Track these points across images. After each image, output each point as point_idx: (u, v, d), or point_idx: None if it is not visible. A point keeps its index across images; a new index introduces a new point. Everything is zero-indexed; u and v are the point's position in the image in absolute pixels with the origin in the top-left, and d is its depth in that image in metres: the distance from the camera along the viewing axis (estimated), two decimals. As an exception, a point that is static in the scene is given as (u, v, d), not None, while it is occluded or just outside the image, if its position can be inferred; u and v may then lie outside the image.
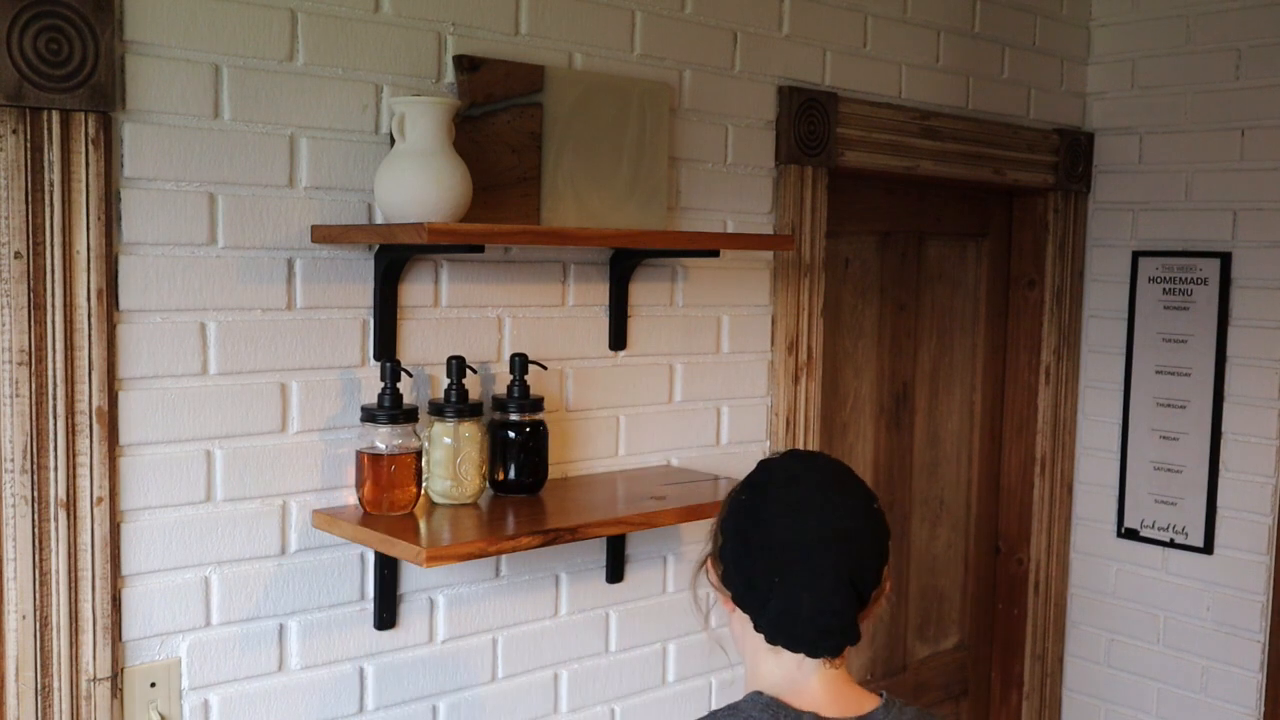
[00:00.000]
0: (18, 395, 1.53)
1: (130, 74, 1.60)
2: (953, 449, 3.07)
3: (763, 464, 1.42)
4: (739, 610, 1.37)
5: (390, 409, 1.76)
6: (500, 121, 1.90)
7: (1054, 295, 3.07)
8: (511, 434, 1.90)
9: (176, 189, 1.65)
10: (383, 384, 1.77)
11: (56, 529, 1.57)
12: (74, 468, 1.58)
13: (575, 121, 1.99)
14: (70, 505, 1.58)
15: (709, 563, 1.43)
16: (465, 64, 1.87)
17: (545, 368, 2.00)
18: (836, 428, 2.74)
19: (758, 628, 1.34)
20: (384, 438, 1.77)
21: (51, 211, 1.54)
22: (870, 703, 1.35)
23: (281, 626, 1.80)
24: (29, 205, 1.52)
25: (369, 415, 1.77)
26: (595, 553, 2.16)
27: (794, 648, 1.33)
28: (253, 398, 1.74)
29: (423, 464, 1.83)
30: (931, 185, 2.86)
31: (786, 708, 1.32)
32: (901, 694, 2.76)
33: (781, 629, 1.33)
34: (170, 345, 1.67)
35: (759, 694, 1.35)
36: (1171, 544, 2.99)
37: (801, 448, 1.38)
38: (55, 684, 1.59)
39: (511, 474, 1.92)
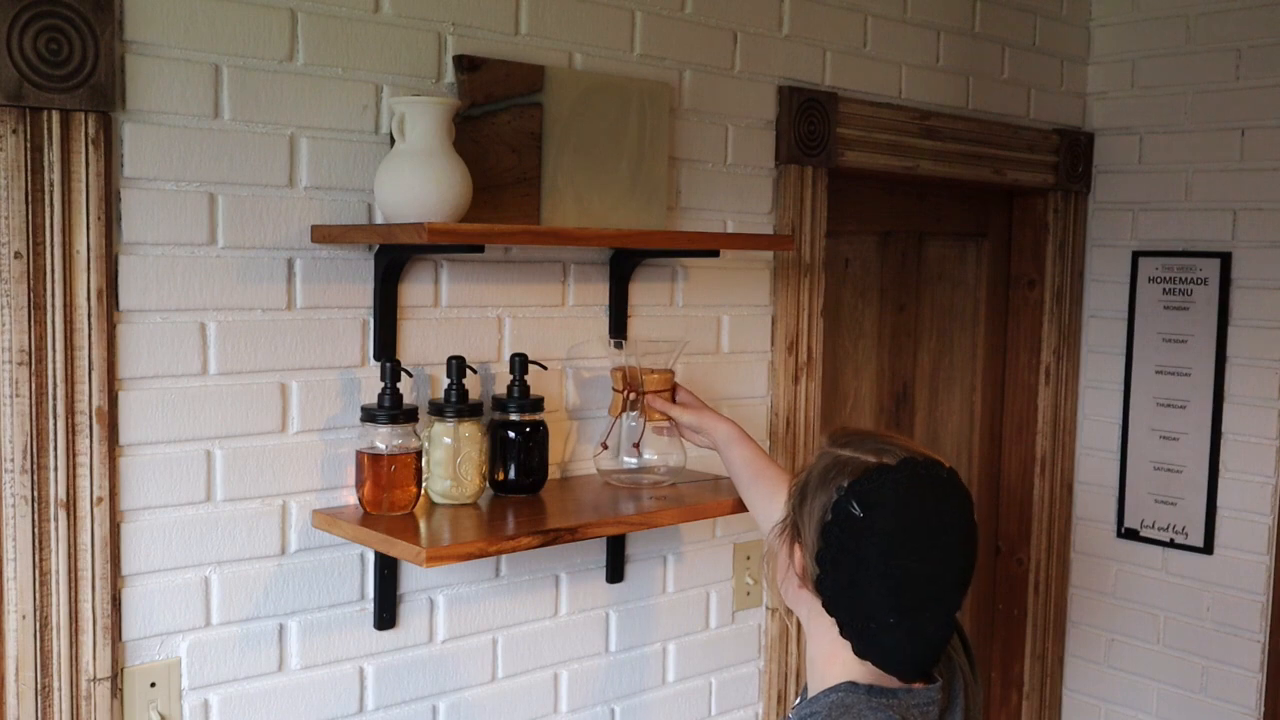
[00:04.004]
0: (18, 395, 1.53)
1: (130, 74, 1.60)
2: (953, 449, 3.07)
3: (880, 475, 1.32)
4: (812, 597, 1.35)
5: (390, 409, 1.76)
6: (500, 121, 1.90)
7: (1054, 295, 3.07)
8: (511, 434, 1.90)
9: (176, 189, 1.65)
10: (383, 384, 1.77)
11: (56, 529, 1.57)
12: (74, 468, 1.58)
13: (575, 121, 1.99)
14: (70, 505, 1.58)
15: (795, 551, 1.37)
16: (465, 64, 1.87)
17: (545, 368, 2.00)
18: (836, 428, 2.74)
19: (855, 645, 1.32)
20: (384, 438, 1.77)
21: (51, 211, 1.54)
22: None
23: (281, 626, 1.80)
24: (29, 205, 1.52)
25: (369, 415, 1.77)
26: (595, 553, 2.16)
27: (886, 669, 1.32)
28: (253, 398, 1.74)
29: (423, 464, 1.83)
30: (931, 185, 2.86)
31: (884, 690, 1.32)
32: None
33: (881, 655, 1.31)
34: (170, 345, 1.67)
35: (855, 685, 1.33)
36: (1171, 544, 2.99)
37: (917, 452, 1.32)
38: (55, 684, 1.59)
39: (511, 474, 1.92)
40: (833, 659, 1.36)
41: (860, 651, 1.32)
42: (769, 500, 1.85)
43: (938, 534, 1.31)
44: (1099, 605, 3.15)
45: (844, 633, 1.33)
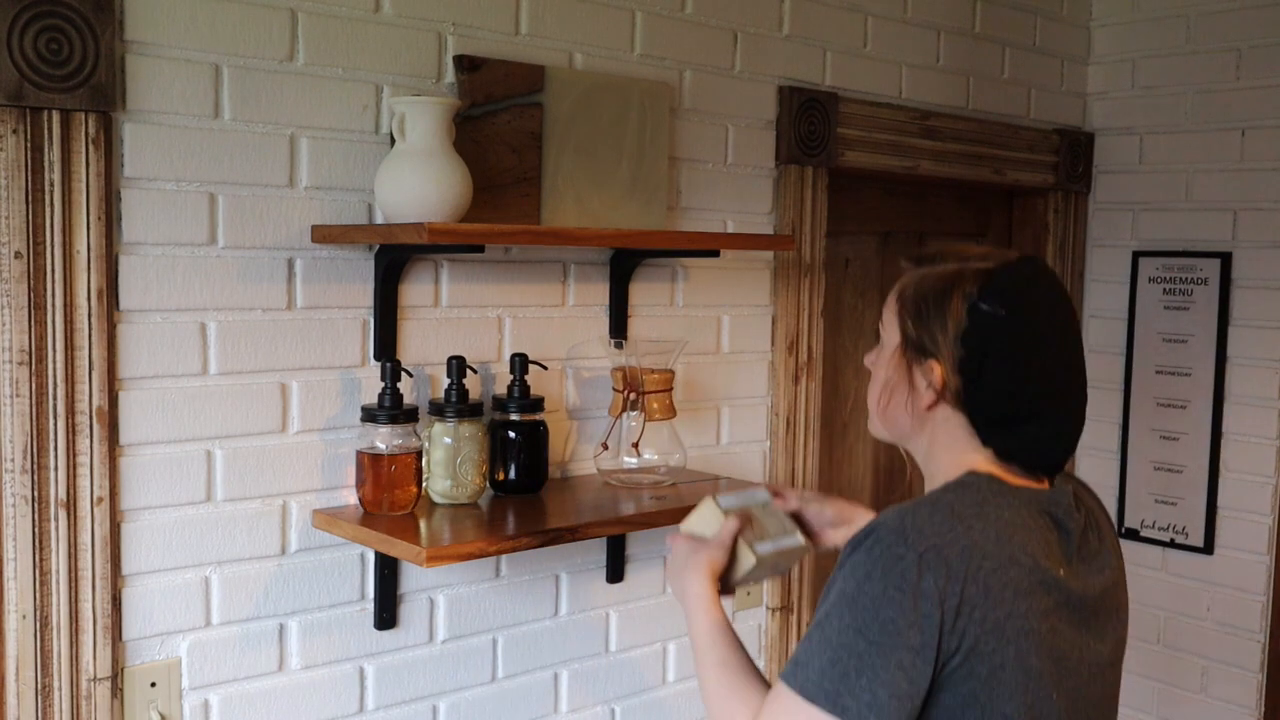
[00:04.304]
0: (18, 395, 1.53)
1: (130, 74, 1.60)
2: (953, 449, 3.07)
3: (1007, 274, 1.33)
4: (953, 410, 1.35)
5: (390, 409, 1.76)
6: (500, 121, 1.90)
7: (1054, 295, 3.07)
8: (512, 434, 1.91)
9: (177, 189, 1.65)
10: (383, 384, 1.77)
11: (56, 529, 1.57)
12: (74, 468, 1.58)
13: (575, 121, 1.99)
14: (70, 505, 1.58)
15: (928, 370, 1.35)
16: (465, 64, 1.87)
17: (545, 368, 2.01)
18: (837, 428, 2.74)
19: (1000, 446, 1.34)
20: (384, 438, 1.77)
21: (52, 211, 1.54)
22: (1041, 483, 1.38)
23: (281, 626, 1.80)
24: (29, 205, 1.52)
25: (369, 415, 1.77)
26: (595, 553, 2.16)
27: (1031, 465, 1.34)
28: (253, 398, 1.74)
29: (423, 464, 1.83)
30: (931, 185, 2.86)
31: (1005, 483, 1.33)
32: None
33: (1025, 450, 1.33)
34: (170, 345, 1.67)
35: (976, 473, 1.33)
36: (1171, 544, 2.99)
37: (1014, 250, 1.37)
38: (55, 684, 1.59)
39: (511, 474, 1.92)
40: (954, 461, 1.36)
41: (1006, 451, 1.34)
42: None
43: (1068, 321, 1.36)
44: (1099, 605, 3.14)
45: (989, 439, 1.34)
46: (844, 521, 1.72)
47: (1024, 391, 1.32)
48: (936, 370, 1.35)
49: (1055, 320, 1.34)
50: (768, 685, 1.36)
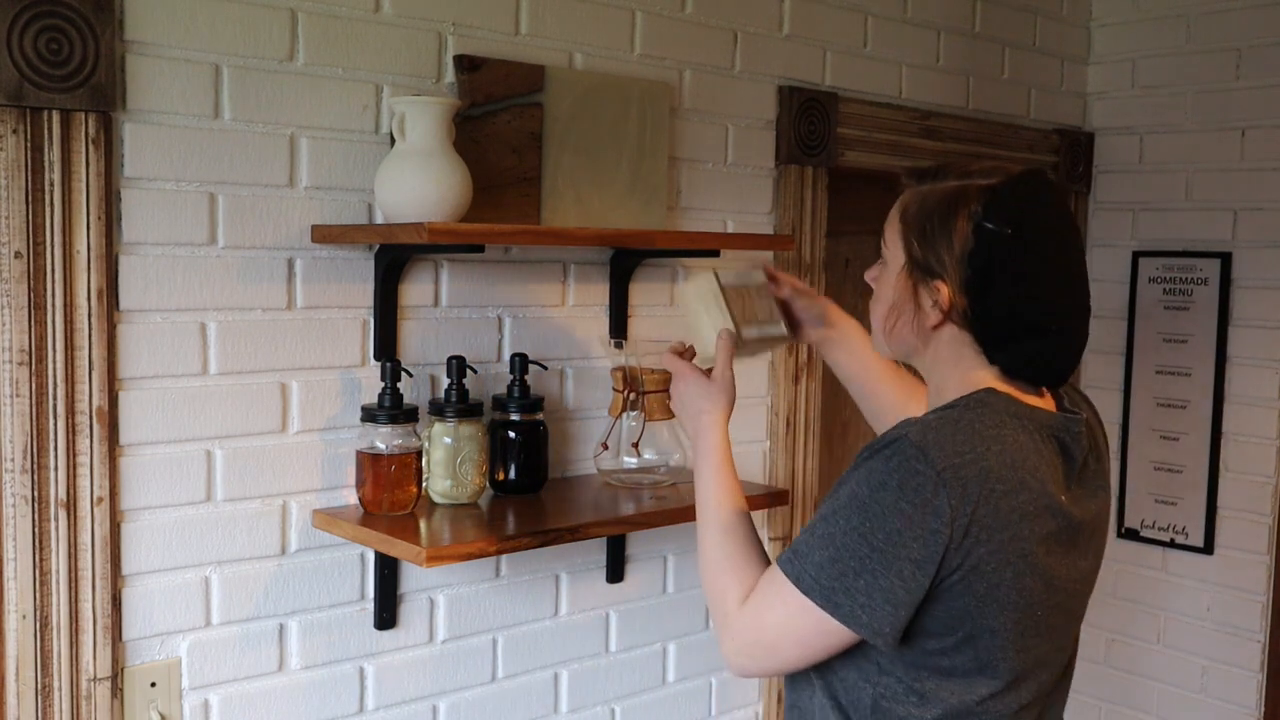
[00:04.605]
0: (18, 395, 1.53)
1: (130, 74, 1.60)
2: (953, 449, 3.07)
3: (1011, 191, 1.33)
4: (959, 329, 1.35)
5: (390, 409, 1.76)
6: (500, 121, 1.90)
7: (1054, 295, 3.07)
8: (512, 434, 1.91)
9: (176, 189, 1.65)
10: (383, 384, 1.77)
11: (56, 529, 1.57)
12: (74, 468, 1.58)
13: (575, 121, 1.99)
14: (70, 505, 1.58)
15: (933, 290, 1.35)
16: (465, 64, 1.87)
17: (545, 368, 2.01)
18: (836, 428, 2.74)
19: (1007, 363, 1.34)
20: (384, 437, 1.77)
21: (52, 211, 1.54)
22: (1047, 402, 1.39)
23: (281, 626, 1.80)
24: (29, 205, 1.52)
25: (369, 415, 1.77)
26: (595, 553, 2.16)
27: (1037, 380, 1.35)
28: (253, 398, 1.74)
29: (423, 464, 1.83)
30: (932, 185, 2.86)
31: (1021, 404, 1.34)
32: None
33: (1030, 366, 1.34)
34: (170, 345, 1.67)
35: (995, 391, 1.34)
36: (1172, 544, 2.99)
37: (1017, 164, 1.39)
38: (55, 684, 1.59)
39: (512, 474, 1.92)
40: (970, 383, 1.36)
41: (1011, 368, 1.35)
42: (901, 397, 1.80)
43: (1072, 235, 1.37)
44: (1099, 605, 3.14)
45: (994, 356, 1.35)
46: (829, 323, 1.79)
47: (1030, 310, 1.33)
48: (943, 291, 1.35)
49: (1059, 236, 1.35)
50: (767, 562, 1.39)
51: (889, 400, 1.79)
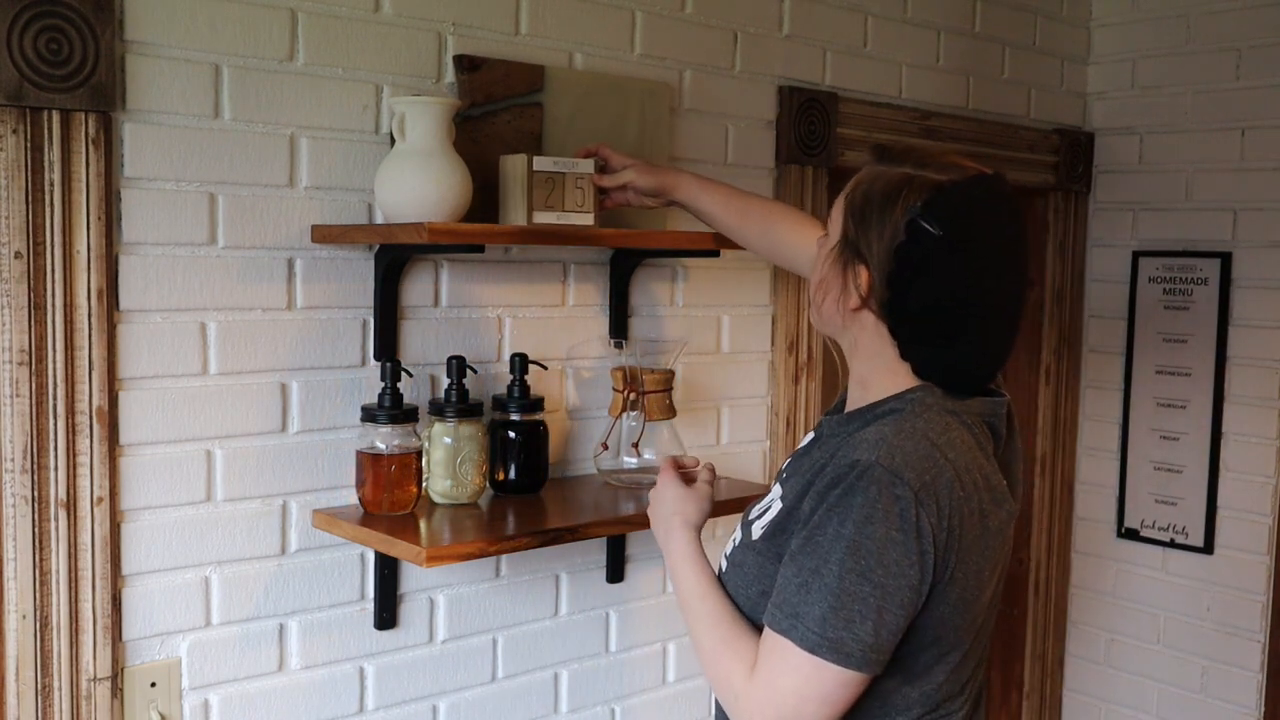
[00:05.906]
0: (18, 395, 1.53)
1: (130, 74, 1.60)
2: (953, 449, 3.07)
3: (954, 192, 1.30)
4: (877, 320, 1.34)
5: (390, 409, 1.76)
6: (500, 121, 1.90)
7: (1054, 295, 3.07)
8: (512, 434, 1.91)
9: (176, 189, 1.65)
10: (383, 384, 1.77)
11: (56, 529, 1.57)
12: (74, 468, 1.58)
13: (576, 121, 1.99)
14: (70, 505, 1.58)
15: (858, 273, 1.34)
16: (465, 64, 1.87)
17: (545, 368, 2.01)
18: (836, 428, 2.74)
19: (918, 364, 1.33)
20: (384, 438, 1.77)
21: (51, 211, 1.54)
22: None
23: (281, 626, 1.80)
24: (29, 205, 1.52)
25: (369, 415, 1.77)
26: (595, 553, 2.16)
27: (948, 387, 1.33)
28: (253, 398, 1.74)
29: (423, 464, 1.83)
30: (931, 185, 2.86)
31: (955, 400, 1.34)
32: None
33: (944, 373, 1.33)
34: (170, 345, 1.67)
35: (931, 389, 1.33)
36: (1171, 544, 2.99)
37: (980, 167, 1.35)
38: (55, 684, 1.59)
39: (512, 474, 1.92)
40: (892, 375, 1.36)
41: (923, 371, 1.33)
42: (784, 229, 1.79)
43: (1010, 246, 1.33)
44: (1099, 605, 3.15)
45: (906, 353, 1.33)
46: (665, 191, 1.88)
47: (947, 315, 1.31)
48: (864, 276, 1.34)
49: (994, 245, 1.32)
50: (759, 631, 1.36)
51: (770, 228, 1.82)
